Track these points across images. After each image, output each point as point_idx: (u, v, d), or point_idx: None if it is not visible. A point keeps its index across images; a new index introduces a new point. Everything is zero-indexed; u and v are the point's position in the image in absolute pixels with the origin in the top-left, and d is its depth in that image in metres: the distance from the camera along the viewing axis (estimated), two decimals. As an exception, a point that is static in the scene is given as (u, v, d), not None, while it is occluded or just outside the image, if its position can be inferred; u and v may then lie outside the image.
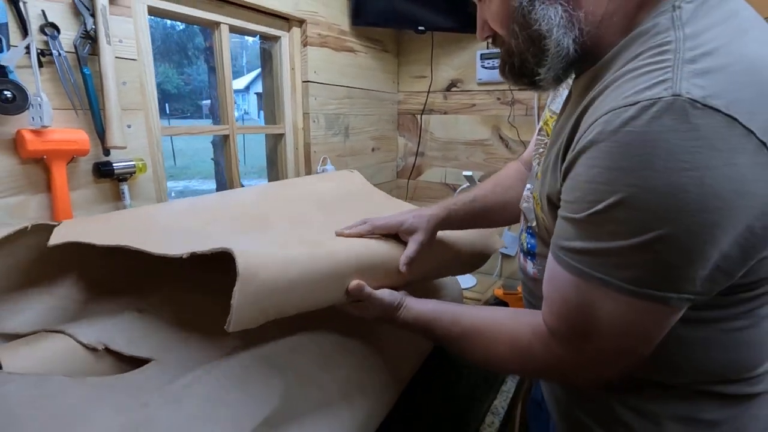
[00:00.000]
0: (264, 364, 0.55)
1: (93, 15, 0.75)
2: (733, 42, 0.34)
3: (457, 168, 1.66)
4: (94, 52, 0.76)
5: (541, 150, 0.59)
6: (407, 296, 0.59)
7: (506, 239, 1.56)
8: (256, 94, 15.00)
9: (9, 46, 0.65)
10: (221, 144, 1.18)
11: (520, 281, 0.64)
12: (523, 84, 0.50)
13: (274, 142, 1.34)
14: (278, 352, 0.58)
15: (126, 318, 0.60)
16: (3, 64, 0.64)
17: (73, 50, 0.74)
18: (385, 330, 0.69)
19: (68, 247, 0.54)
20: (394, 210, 0.92)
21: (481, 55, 1.50)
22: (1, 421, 0.45)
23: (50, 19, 0.71)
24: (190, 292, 0.64)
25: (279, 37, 1.23)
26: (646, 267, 0.35)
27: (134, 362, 0.57)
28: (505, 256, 1.59)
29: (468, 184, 1.36)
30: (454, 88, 1.61)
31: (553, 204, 0.45)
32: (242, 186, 1.19)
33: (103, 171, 0.79)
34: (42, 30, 0.70)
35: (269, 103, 1.33)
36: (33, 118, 0.68)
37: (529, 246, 0.58)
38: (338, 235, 0.63)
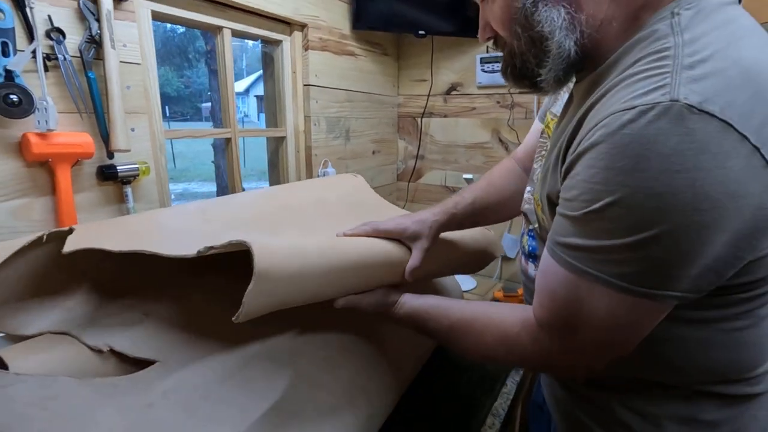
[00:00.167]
0: (268, 365, 0.56)
1: (98, 20, 0.76)
2: (730, 47, 0.35)
3: (457, 171, 1.67)
4: (99, 56, 0.77)
5: (543, 153, 0.60)
6: (403, 293, 0.60)
7: (506, 241, 1.57)
8: (256, 96, 15.05)
9: (15, 51, 0.66)
10: (222, 147, 1.18)
11: (522, 283, 0.65)
12: (524, 86, 0.51)
13: (276, 145, 1.35)
14: (282, 353, 0.58)
15: (131, 320, 0.60)
16: (10, 68, 0.65)
17: (78, 54, 0.75)
18: (387, 330, 0.69)
19: (77, 252, 0.55)
20: (397, 215, 0.93)
21: (481, 59, 1.51)
22: (8, 421, 0.45)
23: (56, 24, 0.71)
24: (194, 295, 0.65)
25: (280, 41, 1.24)
26: (637, 265, 0.36)
27: (138, 364, 0.57)
28: (505, 259, 1.60)
29: (466, 186, 1.37)
30: (454, 92, 1.62)
31: (554, 204, 0.46)
32: (243, 189, 1.20)
33: (107, 174, 0.80)
34: (48, 35, 0.71)
35: (270, 106, 1.34)
36: (39, 121, 0.69)
37: (530, 248, 0.59)
38: (339, 236, 0.63)
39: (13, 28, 0.65)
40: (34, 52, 0.68)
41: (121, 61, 0.79)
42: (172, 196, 1.02)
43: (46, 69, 0.70)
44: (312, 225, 0.77)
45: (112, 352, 0.58)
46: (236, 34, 1.12)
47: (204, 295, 0.65)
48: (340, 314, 0.63)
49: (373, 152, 1.63)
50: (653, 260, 0.36)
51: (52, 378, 0.51)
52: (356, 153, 1.53)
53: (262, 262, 0.43)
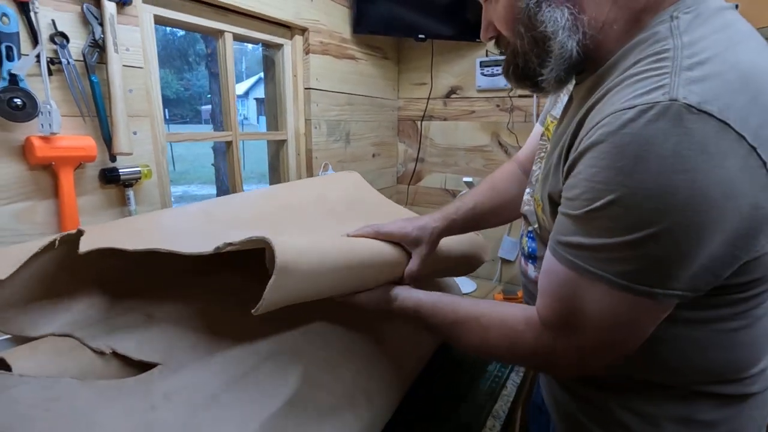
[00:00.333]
0: (270, 366, 0.56)
1: (101, 24, 0.76)
2: (728, 51, 0.36)
3: (456, 174, 1.67)
4: (102, 60, 0.78)
5: (542, 155, 0.60)
6: (405, 288, 0.60)
7: (506, 244, 1.57)
8: (256, 99, 15.08)
9: (20, 55, 0.66)
10: (222, 150, 1.19)
11: (521, 285, 0.65)
12: (526, 86, 0.51)
13: (276, 149, 1.36)
14: (283, 354, 0.59)
15: (134, 323, 0.60)
16: (14, 72, 0.65)
17: (82, 59, 0.75)
18: (388, 330, 0.70)
19: (84, 255, 0.55)
20: (398, 214, 0.94)
21: (481, 62, 1.52)
22: (11, 423, 0.46)
23: (60, 29, 0.72)
24: (197, 298, 0.65)
25: (281, 45, 1.25)
26: (637, 263, 0.37)
27: (141, 366, 0.58)
28: (505, 261, 1.60)
29: (468, 190, 1.38)
30: (453, 95, 1.63)
31: (555, 204, 0.47)
32: (244, 191, 1.21)
33: (110, 177, 0.81)
34: (52, 39, 0.71)
35: (271, 109, 1.34)
36: (42, 125, 0.69)
37: (530, 250, 0.59)
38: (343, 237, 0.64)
39: (18, 33, 0.66)
40: (38, 56, 0.68)
41: (123, 65, 0.80)
42: (172, 199, 1.02)
43: (50, 73, 0.71)
44: (313, 223, 0.77)
45: (115, 354, 0.58)
46: (238, 38, 1.13)
47: (207, 298, 0.66)
48: (341, 314, 0.63)
49: (373, 155, 1.64)
50: (653, 258, 0.36)
51: (55, 380, 0.51)
52: (356, 156, 1.54)
53: (283, 255, 0.44)
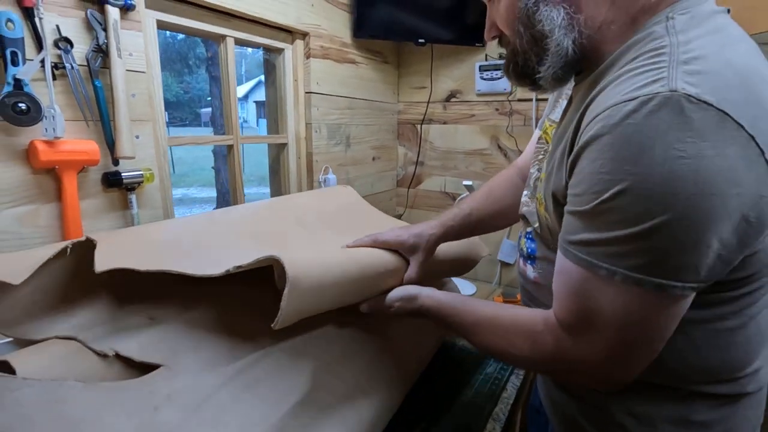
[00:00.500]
0: (272, 368, 0.57)
1: (105, 29, 0.77)
2: (722, 50, 0.38)
3: (456, 177, 1.68)
4: (106, 65, 0.78)
5: (540, 157, 0.61)
6: (426, 288, 0.61)
7: (505, 247, 1.58)
8: (255, 102, 15.10)
9: (25, 60, 0.67)
10: (222, 153, 1.20)
11: (519, 286, 0.66)
12: (525, 84, 0.53)
13: (277, 152, 1.36)
14: (286, 356, 0.59)
15: (137, 325, 0.61)
16: (19, 77, 0.66)
17: (86, 63, 0.76)
18: (390, 332, 0.71)
19: (90, 262, 0.56)
20: (391, 224, 0.95)
21: (480, 66, 1.53)
22: (15, 425, 0.46)
23: (64, 34, 0.73)
24: (199, 300, 0.66)
25: (282, 50, 1.26)
26: (649, 255, 0.37)
27: (144, 368, 0.58)
28: (505, 264, 1.61)
29: (467, 194, 1.38)
30: (453, 99, 1.64)
31: (558, 202, 0.47)
32: (244, 195, 1.21)
33: (112, 181, 0.81)
34: (56, 44, 0.72)
35: (272, 113, 1.35)
36: (46, 129, 0.70)
37: (529, 250, 0.60)
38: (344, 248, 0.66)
39: (23, 38, 0.67)
40: (42, 61, 0.69)
41: (126, 70, 0.81)
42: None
43: (54, 78, 0.71)
44: (314, 236, 0.79)
45: (118, 356, 0.58)
46: (239, 42, 1.14)
47: (209, 300, 0.66)
48: (343, 317, 0.64)
49: (374, 158, 1.65)
50: (664, 249, 0.36)
51: (59, 382, 0.52)
52: (356, 159, 1.54)
53: (294, 269, 0.45)
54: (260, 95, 14.42)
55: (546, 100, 1.44)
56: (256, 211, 0.87)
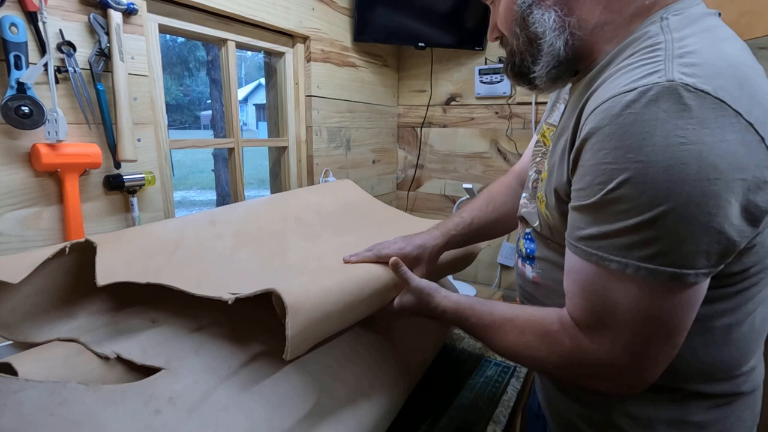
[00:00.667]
0: (273, 371, 0.57)
1: (107, 33, 0.78)
2: (715, 46, 0.39)
3: (456, 180, 1.69)
4: (108, 68, 0.79)
5: (538, 159, 0.62)
6: (441, 290, 0.61)
7: (504, 250, 1.58)
8: (255, 105, 15.13)
9: (28, 64, 0.67)
10: (222, 155, 1.20)
11: (517, 287, 0.66)
12: (522, 83, 0.55)
13: (278, 155, 1.37)
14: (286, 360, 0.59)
15: (139, 328, 0.61)
16: (22, 81, 0.66)
17: (88, 67, 0.77)
18: (392, 335, 0.71)
19: (90, 264, 0.57)
20: (393, 219, 0.95)
21: (480, 70, 1.54)
22: (17, 427, 0.46)
23: (67, 38, 0.73)
24: (200, 304, 0.66)
25: (283, 53, 1.26)
26: (658, 243, 0.37)
27: (145, 371, 0.58)
28: (504, 267, 1.61)
29: (468, 196, 1.39)
30: (453, 102, 1.65)
31: (561, 198, 0.48)
32: (245, 197, 1.22)
33: (114, 183, 0.81)
34: (59, 48, 0.73)
35: (273, 116, 1.36)
36: (49, 132, 0.70)
37: (528, 251, 0.60)
38: (346, 262, 0.65)
39: (26, 42, 0.67)
40: (45, 65, 0.69)
41: (129, 73, 0.81)
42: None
43: (57, 81, 0.72)
44: (313, 235, 0.79)
45: (120, 359, 0.58)
46: (240, 46, 1.14)
47: (210, 303, 0.66)
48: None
49: (374, 161, 1.65)
50: (672, 236, 0.36)
51: (61, 384, 0.52)
52: (357, 162, 1.55)
53: (291, 302, 0.46)
54: (260, 98, 14.45)
55: (545, 103, 1.45)
56: (257, 211, 0.87)
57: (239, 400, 0.53)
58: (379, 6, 1.42)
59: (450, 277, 1.51)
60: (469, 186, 1.43)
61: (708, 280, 0.39)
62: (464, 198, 1.62)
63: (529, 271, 0.60)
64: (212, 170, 6.52)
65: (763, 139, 0.35)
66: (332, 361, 0.61)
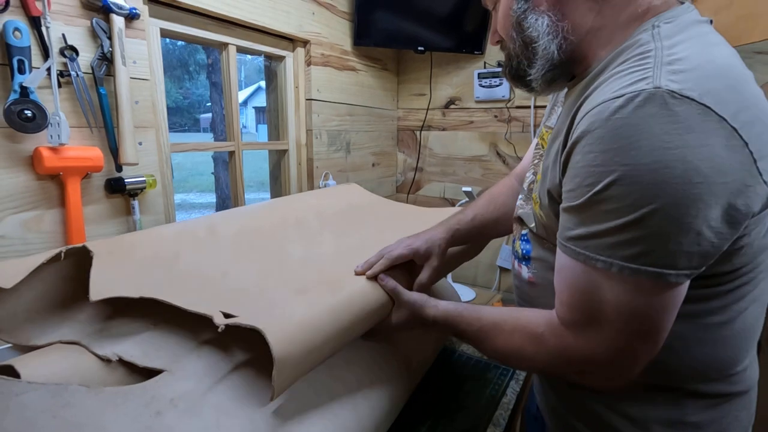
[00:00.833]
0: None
1: (110, 38, 0.78)
2: (704, 52, 0.40)
3: (455, 183, 1.69)
4: (110, 72, 0.80)
5: (536, 161, 0.63)
6: (430, 299, 0.62)
7: (504, 253, 1.59)
8: (255, 108, 15.16)
9: (31, 68, 0.68)
10: (222, 158, 1.21)
11: (514, 289, 0.67)
12: (520, 85, 0.57)
13: (278, 158, 1.37)
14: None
15: (140, 331, 0.61)
16: (25, 85, 0.67)
17: (90, 71, 0.77)
18: (393, 336, 0.71)
19: (87, 267, 0.57)
20: (398, 217, 0.95)
21: (479, 74, 1.55)
22: (20, 429, 0.47)
23: (70, 42, 0.74)
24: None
25: (284, 57, 1.27)
26: (642, 244, 0.38)
27: (146, 373, 0.59)
28: (504, 270, 1.62)
29: (467, 199, 1.39)
30: (452, 106, 1.66)
31: (553, 198, 0.49)
32: (245, 200, 1.22)
33: (115, 187, 0.82)
34: (62, 52, 0.73)
35: (273, 119, 1.36)
36: (51, 136, 0.71)
37: (524, 252, 0.61)
38: (357, 274, 0.66)
39: (29, 47, 0.68)
40: (48, 69, 0.70)
41: (130, 77, 0.82)
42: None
43: (60, 85, 0.72)
44: (312, 237, 0.79)
45: (121, 361, 0.59)
46: (241, 50, 1.15)
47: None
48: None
49: (373, 165, 1.66)
50: (656, 237, 0.38)
51: (63, 386, 0.52)
52: (356, 165, 1.55)
53: (281, 352, 0.46)
54: (259, 101, 14.47)
55: (544, 107, 1.46)
56: (257, 217, 0.87)
57: (241, 402, 0.53)
58: (378, 10, 1.43)
59: (450, 281, 1.51)
60: (469, 189, 1.44)
61: (688, 282, 0.41)
62: (463, 201, 1.62)
63: (525, 271, 0.61)
64: (212, 173, 6.53)
65: (747, 143, 0.36)
66: (333, 361, 0.61)
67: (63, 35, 0.73)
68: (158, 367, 0.58)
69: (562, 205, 0.45)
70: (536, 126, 1.49)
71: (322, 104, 1.36)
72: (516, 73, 0.56)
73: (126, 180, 0.83)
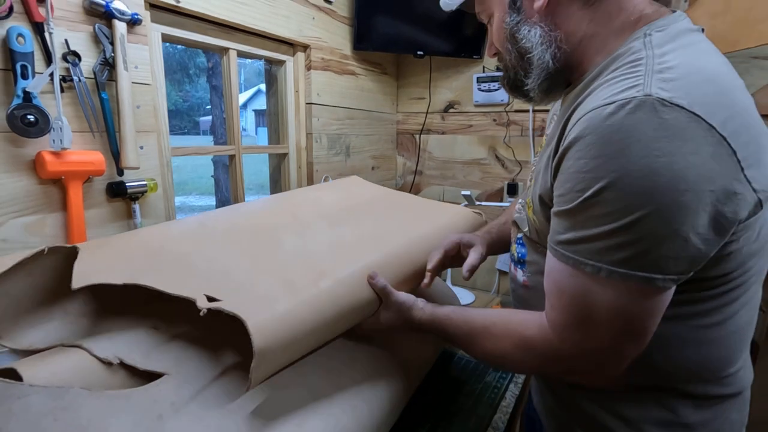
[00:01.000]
0: (277, 378, 0.57)
1: (112, 43, 0.79)
2: (694, 60, 0.41)
3: (454, 186, 1.70)
4: (112, 77, 0.80)
5: (533, 168, 0.64)
6: (419, 301, 0.63)
7: (503, 257, 1.59)
8: (254, 111, 15.19)
9: (34, 74, 0.68)
10: (222, 161, 1.21)
11: (510, 291, 0.67)
12: (518, 95, 0.59)
13: (278, 161, 1.38)
14: (289, 367, 0.60)
15: (141, 334, 0.62)
16: (28, 90, 0.67)
17: (93, 76, 0.78)
18: (392, 340, 0.71)
19: (74, 261, 0.57)
20: (398, 208, 0.95)
21: (478, 78, 1.56)
22: (22, 431, 0.47)
23: (72, 48, 0.75)
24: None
25: (284, 61, 1.28)
26: (631, 249, 0.39)
27: (147, 377, 0.59)
28: (503, 273, 1.62)
29: (466, 203, 1.40)
30: (451, 110, 1.67)
31: (545, 203, 0.50)
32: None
33: (117, 190, 0.82)
34: (64, 58, 0.74)
35: (273, 123, 1.37)
36: (53, 140, 0.71)
37: (519, 255, 0.62)
38: (429, 271, 0.70)
39: (32, 52, 0.68)
40: (51, 74, 0.70)
41: (132, 82, 0.83)
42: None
43: (62, 90, 0.73)
44: (305, 225, 0.79)
45: (122, 364, 0.59)
46: (242, 54, 1.16)
47: (212, 311, 0.67)
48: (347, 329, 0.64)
49: (373, 168, 1.67)
50: (644, 242, 0.39)
51: (64, 389, 0.52)
52: (356, 169, 1.56)
53: (260, 342, 0.46)
54: (259, 104, 14.49)
55: (542, 111, 1.47)
56: (251, 209, 0.87)
57: (242, 406, 0.54)
58: (378, 15, 1.44)
59: (449, 283, 1.52)
60: (468, 193, 1.44)
61: (674, 286, 0.41)
62: (463, 204, 1.63)
63: (520, 275, 0.61)
64: (212, 176, 6.53)
65: (735, 152, 0.37)
66: (332, 366, 0.62)
67: (66, 41, 0.74)
68: (159, 371, 0.59)
69: (552, 209, 0.46)
70: (535, 130, 1.50)
71: (322, 108, 1.36)
72: (514, 84, 0.57)
73: (127, 184, 0.84)
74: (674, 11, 0.47)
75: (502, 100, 1.53)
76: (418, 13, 1.47)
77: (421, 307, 0.61)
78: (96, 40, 0.78)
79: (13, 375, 0.53)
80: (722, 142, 0.37)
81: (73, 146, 0.74)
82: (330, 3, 1.34)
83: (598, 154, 0.39)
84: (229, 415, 0.53)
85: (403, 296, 0.62)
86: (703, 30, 0.47)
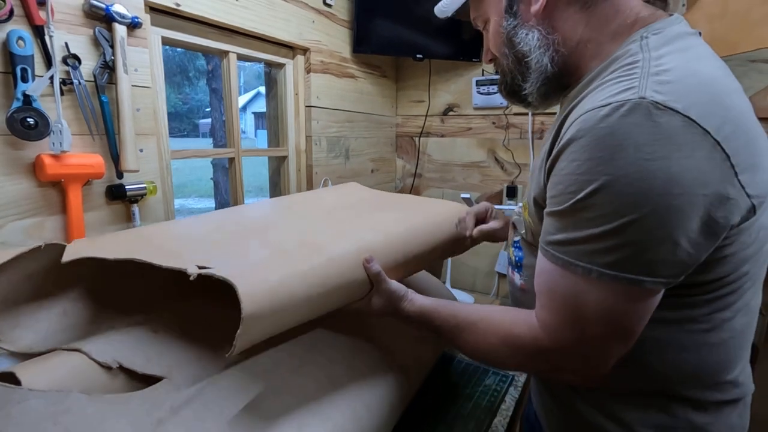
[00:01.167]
0: (275, 381, 0.57)
1: (112, 46, 0.79)
2: (690, 64, 0.41)
3: (454, 189, 1.70)
4: (112, 80, 0.80)
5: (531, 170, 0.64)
6: (409, 292, 0.63)
7: (503, 259, 1.59)
8: (254, 113, 15.20)
9: (34, 77, 0.68)
10: (221, 164, 1.21)
11: (509, 293, 0.67)
12: (517, 101, 0.58)
13: (277, 164, 1.38)
14: (288, 370, 0.60)
15: (140, 338, 0.62)
16: (28, 93, 0.67)
17: (93, 79, 0.78)
18: (392, 345, 0.71)
19: (81, 267, 0.57)
20: (399, 201, 0.96)
21: (477, 81, 1.56)
22: (21, 436, 0.47)
23: (72, 51, 0.75)
24: (200, 309, 0.67)
25: (284, 65, 1.28)
26: (623, 251, 0.39)
27: (147, 380, 0.59)
28: (502, 276, 1.62)
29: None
30: (450, 112, 1.67)
31: (539, 205, 0.50)
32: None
33: (116, 193, 0.82)
34: (65, 61, 0.74)
35: (273, 126, 1.37)
36: (53, 143, 0.71)
37: (516, 258, 0.62)
38: (462, 230, 0.78)
39: (33, 55, 0.68)
40: (51, 77, 0.70)
41: (132, 85, 0.83)
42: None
43: (62, 93, 0.73)
44: (306, 220, 0.79)
45: (122, 368, 0.59)
46: (242, 57, 1.16)
47: (211, 313, 0.67)
48: (345, 327, 0.64)
49: (372, 171, 1.67)
50: (637, 245, 0.39)
51: (64, 393, 0.52)
52: (356, 171, 1.56)
53: (249, 307, 0.45)
54: (258, 106, 14.50)
55: (542, 114, 1.47)
56: (248, 207, 0.87)
57: (240, 411, 0.54)
58: (377, 18, 1.44)
59: (448, 285, 1.51)
60: (467, 195, 1.44)
61: (663, 291, 0.42)
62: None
63: (517, 278, 0.62)
64: (211, 178, 6.53)
65: (729, 156, 0.37)
66: (332, 368, 0.62)
67: (66, 44, 0.74)
68: (159, 375, 0.59)
69: (545, 210, 0.46)
70: (534, 133, 1.50)
71: (322, 111, 1.37)
72: (511, 89, 0.57)
73: (127, 186, 0.84)
74: (672, 14, 0.48)
75: (501, 103, 1.53)
76: (417, 16, 1.48)
77: (410, 299, 0.61)
78: (96, 43, 0.78)
79: (11, 379, 0.53)
80: (717, 147, 0.37)
81: (72, 149, 0.74)
82: (330, 6, 1.34)
83: (591, 156, 0.39)
84: (230, 419, 0.53)
85: (395, 285, 0.62)
86: (700, 33, 0.47)
